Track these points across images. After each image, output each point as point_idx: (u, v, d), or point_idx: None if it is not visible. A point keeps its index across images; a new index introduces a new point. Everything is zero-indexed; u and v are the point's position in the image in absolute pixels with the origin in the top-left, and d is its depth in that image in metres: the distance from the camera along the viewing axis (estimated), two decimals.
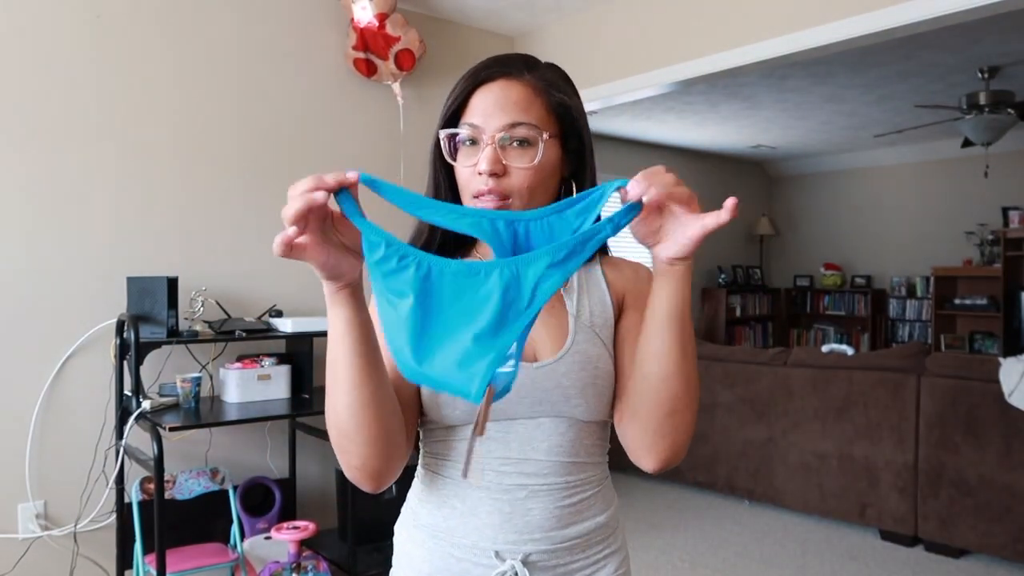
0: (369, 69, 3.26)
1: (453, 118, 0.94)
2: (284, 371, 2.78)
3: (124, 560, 2.63)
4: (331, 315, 0.78)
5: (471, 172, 0.91)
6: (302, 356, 2.87)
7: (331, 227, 0.74)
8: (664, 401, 0.84)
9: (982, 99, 4.73)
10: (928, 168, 7.15)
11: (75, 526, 2.61)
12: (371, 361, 0.79)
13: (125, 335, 2.55)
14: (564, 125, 0.96)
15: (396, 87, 3.35)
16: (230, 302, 2.93)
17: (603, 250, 1.04)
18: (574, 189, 0.99)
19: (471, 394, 0.65)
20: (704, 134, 6.64)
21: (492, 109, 0.91)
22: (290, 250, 0.71)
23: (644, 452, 0.89)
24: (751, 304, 7.86)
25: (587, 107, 3.86)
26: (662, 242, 0.77)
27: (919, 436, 3.44)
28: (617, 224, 0.74)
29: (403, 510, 1.01)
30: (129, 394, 2.49)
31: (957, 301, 6.64)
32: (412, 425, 0.92)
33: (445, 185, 0.98)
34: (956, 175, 6.89)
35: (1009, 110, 4.70)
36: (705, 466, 4.21)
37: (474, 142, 0.92)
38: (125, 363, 2.57)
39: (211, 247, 2.95)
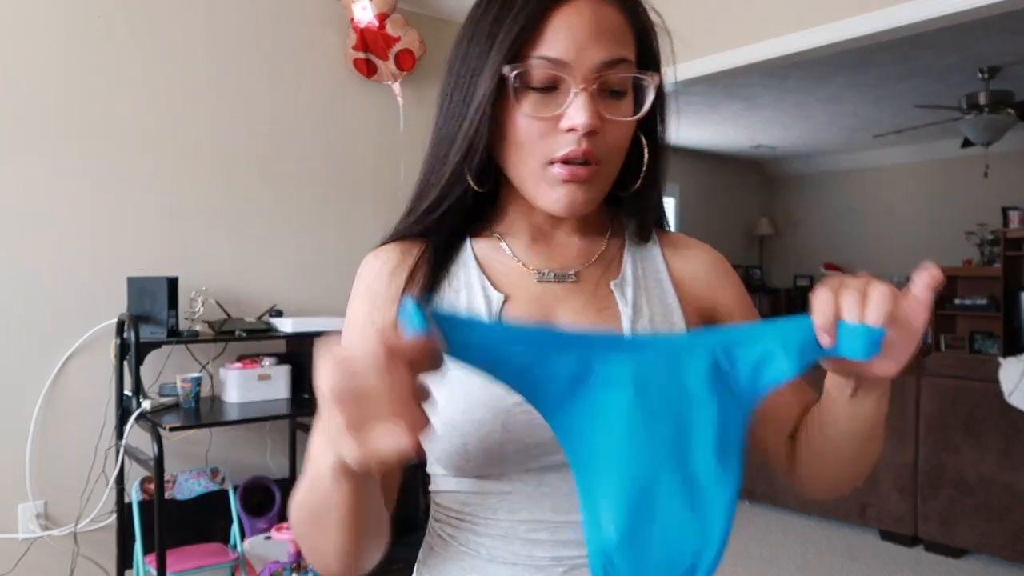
0: (369, 69, 3.26)
1: (515, 48, 0.66)
2: (284, 371, 2.78)
3: (124, 560, 2.62)
4: (334, 487, 0.53)
5: (547, 127, 0.67)
6: (302, 356, 2.87)
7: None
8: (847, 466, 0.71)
9: (982, 99, 4.74)
10: (928, 168, 7.15)
11: (75, 526, 2.61)
12: (367, 519, 0.59)
13: (125, 335, 2.55)
14: (643, 54, 0.71)
15: (396, 87, 3.35)
16: (230, 302, 2.93)
17: (647, 217, 0.78)
18: (645, 152, 0.74)
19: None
20: (704, 134, 6.64)
21: (585, 39, 0.65)
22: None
23: (808, 483, 0.75)
24: None
25: None
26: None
27: (919, 436, 3.44)
28: (804, 364, 0.55)
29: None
30: (129, 394, 2.49)
31: (957, 301, 6.64)
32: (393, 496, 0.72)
33: (482, 145, 0.69)
34: (956, 175, 6.89)
35: (1009, 110, 4.70)
36: None
37: (552, 86, 0.67)
38: (125, 363, 2.57)
39: (211, 247, 2.95)
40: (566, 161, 0.67)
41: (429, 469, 0.75)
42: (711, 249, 0.82)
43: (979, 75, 4.69)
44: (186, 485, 2.55)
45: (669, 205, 7.28)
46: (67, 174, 2.64)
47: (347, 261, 3.30)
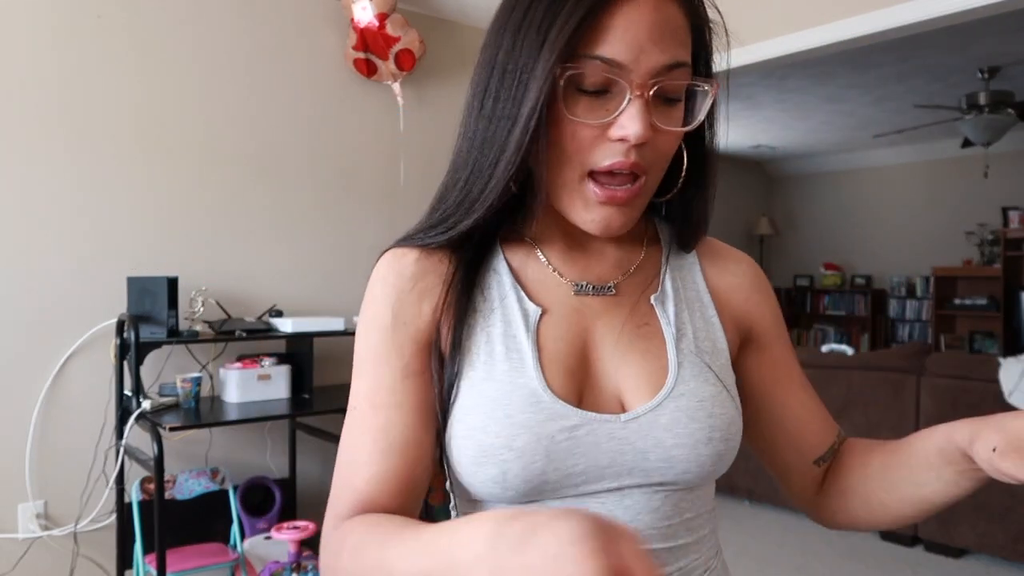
0: (369, 69, 3.26)
1: (570, 45, 0.59)
2: (284, 371, 2.78)
3: (124, 560, 2.62)
4: None
5: (595, 134, 0.61)
6: (302, 356, 2.87)
7: None
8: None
9: (982, 99, 4.74)
10: (928, 168, 7.16)
11: (75, 526, 2.61)
12: None
13: (125, 335, 2.55)
14: (697, 56, 0.65)
15: (396, 87, 3.35)
16: (230, 302, 2.93)
17: (695, 227, 0.73)
18: (684, 149, 0.69)
19: None
20: None
21: (645, 39, 0.59)
22: None
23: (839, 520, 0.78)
24: None
25: None
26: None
27: None
28: None
29: None
30: (129, 394, 2.49)
31: (957, 301, 6.64)
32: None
33: (541, 146, 0.62)
34: (956, 175, 6.89)
35: (1009, 110, 4.70)
36: None
37: (604, 89, 0.60)
38: (125, 363, 2.57)
39: (211, 247, 2.95)
40: (609, 173, 0.62)
41: (453, 507, 0.71)
42: (750, 261, 0.78)
43: (979, 75, 4.69)
44: (186, 485, 2.55)
45: None
46: (67, 174, 2.64)
47: (347, 261, 3.31)
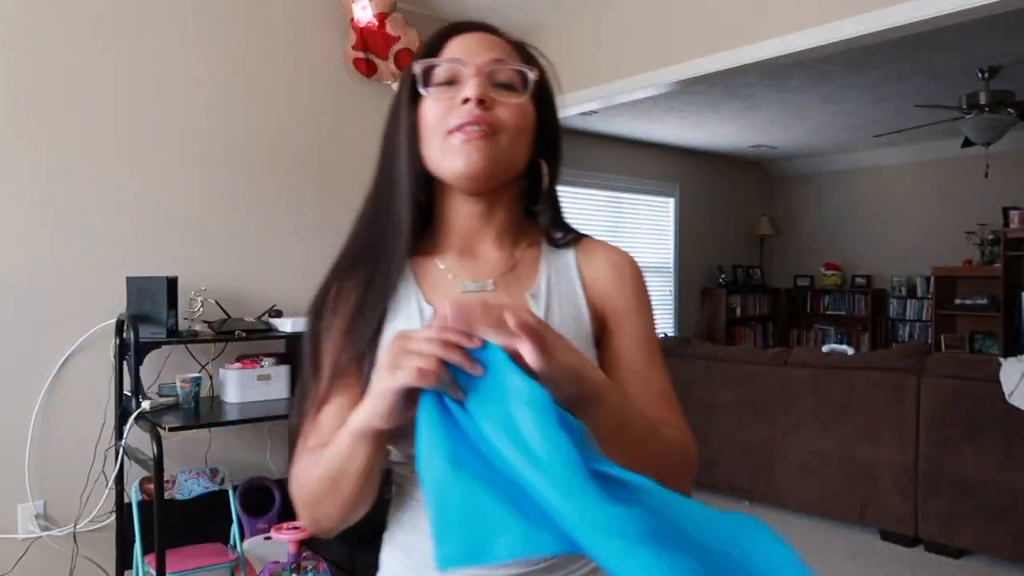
0: (369, 69, 3.26)
1: (426, 59, 0.84)
2: (284, 371, 2.78)
3: (124, 560, 2.62)
4: (353, 449, 0.70)
5: (447, 107, 0.81)
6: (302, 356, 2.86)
7: None
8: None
9: (982, 99, 4.74)
10: (928, 168, 7.15)
11: (75, 526, 2.61)
12: (375, 476, 0.74)
13: (125, 335, 2.55)
14: (539, 98, 0.86)
15: (396, 87, 3.35)
16: (230, 302, 2.93)
17: (549, 226, 0.91)
18: (544, 173, 0.90)
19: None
20: (704, 134, 6.64)
21: (476, 48, 0.83)
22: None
23: None
24: (751, 304, 7.86)
25: (587, 107, 3.88)
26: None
27: (919, 436, 3.44)
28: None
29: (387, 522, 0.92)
30: (129, 394, 2.49)
31: (957, 301, 6.64)
32: None
33: (408, 125, 0.85)
34: (956, 175, 6.89)
35: (1009, 110, 4.70)
36: (705, 467, 4.21)
37: (452, 80, 0.82)
38: (125, 363, 2.57)
39: (211, 247, 2.95)
40: (460, 128, 0.79)
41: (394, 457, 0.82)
42: (621, 252, 0.91)
43: (979, 75, 4.68)
44: (186, 485, 2.55)
45: (669, 205, 7.29)
46: (67, 174, 2.64)
47: None
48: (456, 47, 0.83)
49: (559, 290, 0.87)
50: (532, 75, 0.83)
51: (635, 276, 0.89)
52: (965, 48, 4.23)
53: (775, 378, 3.94)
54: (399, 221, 0.84)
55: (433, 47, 0.85)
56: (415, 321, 0.83)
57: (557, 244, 0.90)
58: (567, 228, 0.92)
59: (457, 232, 0.88)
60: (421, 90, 0.83)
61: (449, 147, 0.81)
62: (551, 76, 0.90)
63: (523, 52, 0.88)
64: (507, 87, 0.82)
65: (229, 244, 2.99)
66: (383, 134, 0.89)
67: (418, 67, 0.83)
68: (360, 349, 0.82)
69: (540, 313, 0.83)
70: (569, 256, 0.90)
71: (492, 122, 0.80)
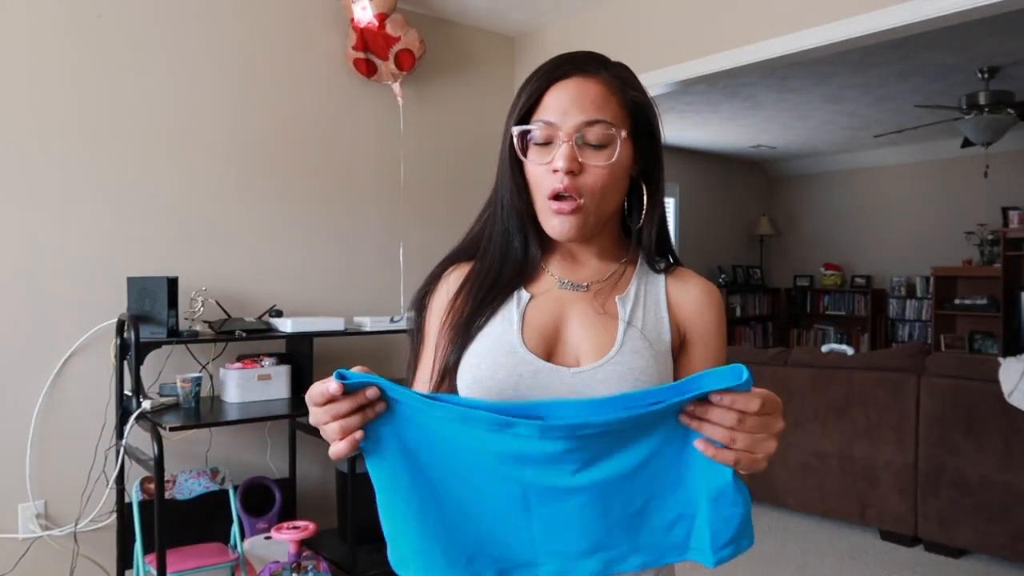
0: (369, 69, 3.26)
1: (526, 116, 0.92)
2: (284, 371, 2.78)
3: (124, 560, 2.63)
4: None
5: (544, 170, 0.89)
6: (302, 356, 2.87)
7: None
8: None
9: (982, 99, 4.74)
10: (928, 168, 7.16)
11: (75, 526, 2.61)
12: None
13: (125, 335, 2.55)
14: (638, 123, 0.94)
15: (396, 87, 3.35)
16: (230, 302, 2.93)
17: (670, 260, 1.01)
18: (644, 191, 0.97)
19: None
20: (704, 134, 6.64)
21: (568, 107, 0.88)
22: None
23: None
24: (751, 304, 7.86)
25: None
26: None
27: (919, 436, 3.44)
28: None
29: None
30: (129, 394, 2.49)
31: (957, 301, 6.64)
32: None
33: (516, 184, 0.94)
34: (956, 175, 6.89)
35: (1009, 110, 4.70)
36: None
37: (548, 142, 0.90)
38: (125, 363, 2.57)
39: (211, 247, 2.95)
40: (557, 196, 0.89)
41: None
42: (711, 288, 0.99)
43: (979, 75, 4.69)
44: (186, 485, 2.55)
45: (669, 205, 7.28)
46: (66, 174, 2.64)
47: (347, 261, 3.31)
48: (551, 104, 0.90)
49: (646, 301, 0.96)
50: (622, 134, 0.89)
51: (719, 307, 0.99)
52: (965, 48, 4.23)
53: (775, 378, 3.94)
54: (512, 252, 0.97)
55: (531, 101, 0.91)
56: (512, 306, 0.95)
57: (655, 269, 0.99)
58: (667, 253, 1.01)
59: (562, 245, 0.99)
60: (520, 155, 0.92)
61: (547, 211, 0.91)
62: (653, 103, 0.96)
63: (623, 89, 0.92)
64: (598, 147, 0.89)
65: (229, 244, 2.99)
66: (498, 167, 0.98)
67: (516, 132, 0.91)
68: (458, 335, 0.94)
69: (626, 315, 0.93)
70: (660, 278, 0.99)
71: (582, 190, 0.88)
